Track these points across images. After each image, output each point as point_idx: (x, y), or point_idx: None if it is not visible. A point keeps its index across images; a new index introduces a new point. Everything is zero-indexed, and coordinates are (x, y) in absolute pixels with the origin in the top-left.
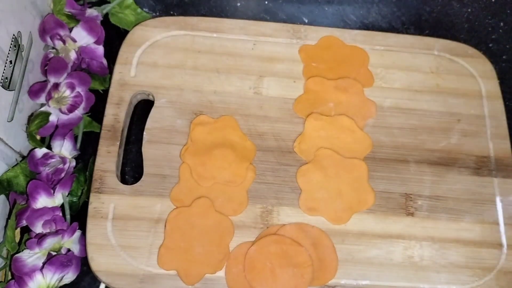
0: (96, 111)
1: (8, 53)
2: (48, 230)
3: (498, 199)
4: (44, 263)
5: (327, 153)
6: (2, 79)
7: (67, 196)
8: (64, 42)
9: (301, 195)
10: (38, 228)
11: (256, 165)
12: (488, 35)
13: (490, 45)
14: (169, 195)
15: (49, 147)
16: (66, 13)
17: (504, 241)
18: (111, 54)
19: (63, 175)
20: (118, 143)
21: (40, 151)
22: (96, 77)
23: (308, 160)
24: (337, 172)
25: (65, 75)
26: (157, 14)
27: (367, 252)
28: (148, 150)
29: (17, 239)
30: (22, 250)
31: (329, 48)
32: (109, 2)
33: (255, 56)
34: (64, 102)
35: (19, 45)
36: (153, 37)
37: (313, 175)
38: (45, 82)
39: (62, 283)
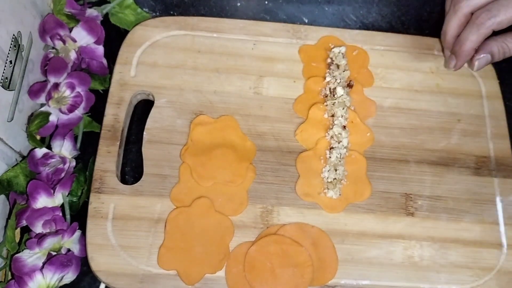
0: (96, 111)
1: (8, 53)
2: (48, 230)
3: (498, 199)
4: (44, 263)
5: (328, 143)
6: (2, 79)
7: (67, 196)
8: (64, 42)
9: (298, 180)
10: (38, 228)
11: (256, 165)
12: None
13: None
14: (169, 195)
15: (49, 147)
16: (66, 13)
17: (504, 241)
18: (111, 54)
19: (63, 175)
20: (118, 143)
21: (40, 151)
22: (96, 77)
23: (309, 148)
24: None
25: (65, 75)
26: (157, 14)
27: (367, 252)
28: (148, 150)
29: (17, 239)
30: (22, 250)
31: (329, 48)
32: (109, 2)
33: (255, 56)
34: (64, 102)
35: (19, 45)
36: (153, 37)
37: (312, 162)
38: (45, 82)
39: (62, 283)
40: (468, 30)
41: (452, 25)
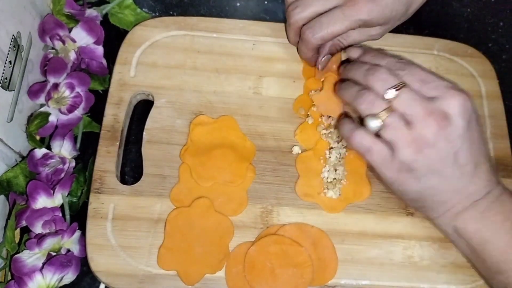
0: (96, 111)
1: (8, 54)
2: (47, 231)
3: None
4: (43, 264)
5: (327, 143)
6: (1, 79)
7: (67, 196)
8: (63, 42)
9: (298, 180)
10: (38, 228)
11: (256, 165)
12: (488, 35)
13: (490, 45)
14: (169, 195)
15: (48, 147)
16: (66, 13)
17: None
18: (111, 54)
19: (62, 175)
20: (117, 143)
21: (40, 152)
22: (96, 77)
23: (308, 148)
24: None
25: (64, 75)
26: (157, 14)
27: (367, 252)
28: (148, 150)
29: (17, 239)
30: (22, 251)
31: None
32: (108, 2)
33: (255, 56)
34: (64, 103)
35: (18, 45)
36: (152, 37)
37: (312, 163)
38: (45, 82)
39: (62, 284)
40: (300, 44)
41: (291, 36)
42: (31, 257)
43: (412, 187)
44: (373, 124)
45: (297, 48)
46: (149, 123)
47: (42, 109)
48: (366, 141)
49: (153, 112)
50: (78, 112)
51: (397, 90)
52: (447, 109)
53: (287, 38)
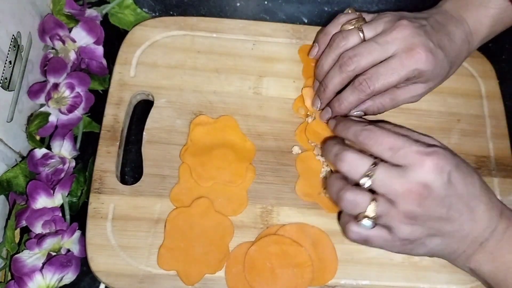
0: (96, 111)
1: (8, 54)
2: (47, 231)
3: None
4: (43, 264)
5: None
6: (1, 79)
7: (67, 196)
8: (63, 42)
9: (298, 180)
10: (38, 228)
11: (256, 165)
12: None
13: (490, 45)
14: (169, 195)
15: (48, 147)
16: (66, 13)
17: None
18: (111, 54)
19: (62, 175)
20: (117, 143)
21: (40, 152)
22: (96, 77)
23: (309, 149)
24: None
25: (64, 75)
26: (157, 14)
27: (367, 252)
28: (147, 150)
29: (17, 239)
30: (22, 251)
31: None
32: (108, 2)
33: (255, 56)
34: (64, 103)
35: (18, 45)
36: (152, 37)
37: (312, 163)
38: (45, 82)
39: (62, 284)
40: (349, 92)
41: (336, 82)
42: (31, 257)
43: (420, 251)
44: (367, 224)
45: (314, 82)
46: (149, 123)
47: (42, 109)
48: (362, 233)
49: (153, 112)
50: (78, 112)
51: (370, 175)
52: (422, 179)
53: (326, 84)
